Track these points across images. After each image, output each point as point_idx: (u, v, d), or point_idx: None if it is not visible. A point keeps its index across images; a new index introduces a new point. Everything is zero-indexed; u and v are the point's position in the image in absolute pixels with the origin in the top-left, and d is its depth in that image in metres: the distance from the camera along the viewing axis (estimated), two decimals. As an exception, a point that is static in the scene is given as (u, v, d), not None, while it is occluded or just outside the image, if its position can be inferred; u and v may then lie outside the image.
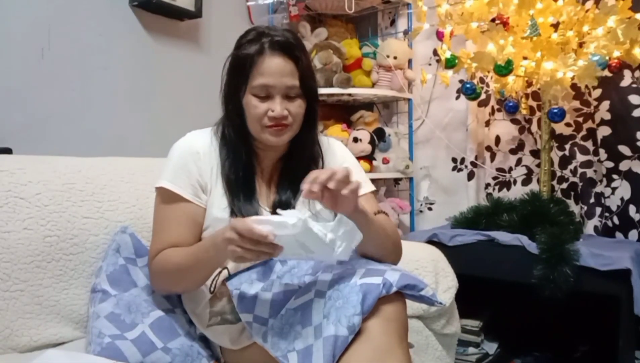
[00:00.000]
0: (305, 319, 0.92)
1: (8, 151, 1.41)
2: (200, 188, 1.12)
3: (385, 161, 2.31)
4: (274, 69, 1.06)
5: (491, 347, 2.05)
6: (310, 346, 0.89)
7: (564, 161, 2.10)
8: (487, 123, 2.31)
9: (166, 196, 1.11)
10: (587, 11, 1.77)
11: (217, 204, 1.11)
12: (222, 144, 1.15)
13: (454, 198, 2.43)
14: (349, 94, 2.31)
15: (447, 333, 1.45)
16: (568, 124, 2.06)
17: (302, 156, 1.17)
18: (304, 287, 0.97)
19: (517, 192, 2.18)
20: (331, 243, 0.89)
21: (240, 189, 1.11)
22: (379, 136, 2.30)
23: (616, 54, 1.70)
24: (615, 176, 1.96)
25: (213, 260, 1.01)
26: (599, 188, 2.02)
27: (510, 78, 1.95)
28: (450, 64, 1.92)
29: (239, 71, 1.08)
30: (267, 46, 1.06)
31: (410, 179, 2.50)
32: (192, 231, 1.10)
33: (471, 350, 2.01)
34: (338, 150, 1.25)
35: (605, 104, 1.95)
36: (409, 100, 2.48)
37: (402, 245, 1.16)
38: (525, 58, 1.83)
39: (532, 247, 1.69)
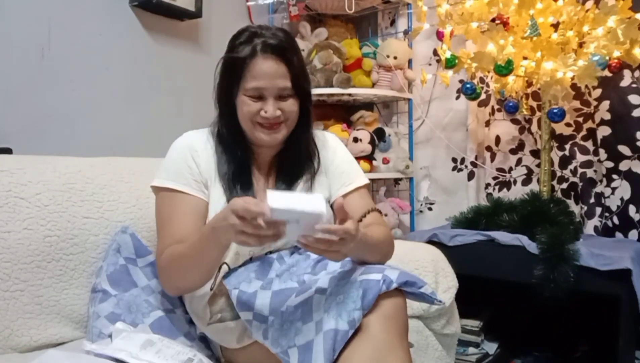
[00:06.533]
0: (306, 315, 0.92)
1: (8, 151, 1.41)
2: (202, 182, 1.13)
3: (385, 161, 2.30)
4: (266, 71, 1.06)
5: (491, 347, 2.05)
6: (310, 341, 0.89)
7: (564, 161, 2.10)
8: (487, 123, 2.31)
9: (169, 195, 1.11)
10: (587, 11, 1.77)
11: (217, 200, 1.11)
12: (218, 142, 1.16)
13: (454, 198, 2.43)
14: (349, 94, 2.30)
15: (447, 333, 1.45)
16: (568, 124, 2.06)
17: (297, 152, 1.18)
18: (304, 285, 0.97)
19: (517, 192, 2.18)
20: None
21: (238, 185, 1.12)
22: (379, 136, 2.29)
23: (616, 54, 1.70)
24: (615, 176, 1.96)
25: (215, 244, 0.96)
26: (599, 188, 2.02)
27: (511, 78, 1.95)
28: (451, 64, 1.92)
29: (232, 73, 1.09)
30: (259, 48, 1.06)
31: (410, 179, 2.50)
32: (197, 225, 1.09)
33: (471, 350, 2.01)
34: (330, 143, 1.26)
35: (605, 104, 1.95)
36: (409, 100, 2.48)
37: (402, 245, 1.16)
38: (525, 58, 1.83)
39: (532, 247, 1.69)
